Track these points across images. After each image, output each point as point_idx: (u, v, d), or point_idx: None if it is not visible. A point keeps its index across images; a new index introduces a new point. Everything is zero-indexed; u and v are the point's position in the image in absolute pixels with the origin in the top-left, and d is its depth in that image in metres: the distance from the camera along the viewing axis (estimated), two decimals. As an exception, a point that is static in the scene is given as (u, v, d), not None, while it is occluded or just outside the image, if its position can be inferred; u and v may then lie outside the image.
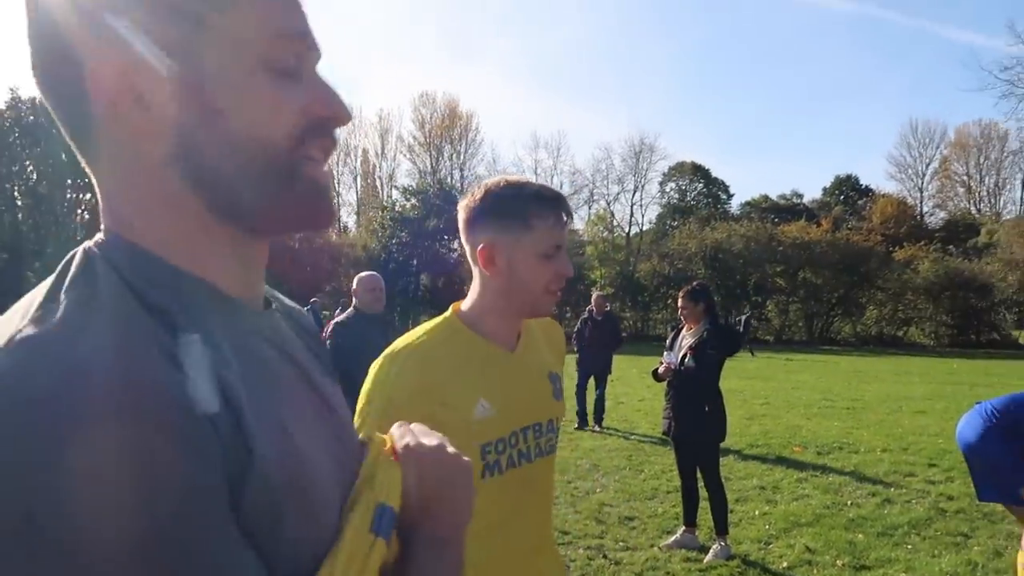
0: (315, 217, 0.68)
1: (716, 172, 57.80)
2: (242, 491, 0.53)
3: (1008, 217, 48.19)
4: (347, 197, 53.58)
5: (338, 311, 21.17)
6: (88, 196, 32.76)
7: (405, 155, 51.31)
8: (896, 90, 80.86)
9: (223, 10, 0.59)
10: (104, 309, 0.55)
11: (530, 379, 1.65)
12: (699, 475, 5.21)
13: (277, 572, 0.56)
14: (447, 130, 50.07)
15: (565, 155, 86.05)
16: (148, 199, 0.62)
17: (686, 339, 5.30)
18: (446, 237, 40.02)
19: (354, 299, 5.10)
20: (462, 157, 50.02)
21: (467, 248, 1.59)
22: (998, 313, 35.63)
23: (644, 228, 49.55)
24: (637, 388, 13.61)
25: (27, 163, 32.52)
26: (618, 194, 48.76)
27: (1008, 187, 53.64)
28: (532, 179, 1.74)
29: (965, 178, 54.38)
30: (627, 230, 47.46)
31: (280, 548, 0.56)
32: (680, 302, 5.37)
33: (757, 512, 5.96)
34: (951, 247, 39.46)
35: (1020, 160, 51.50)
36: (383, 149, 52.15)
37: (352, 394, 4.74)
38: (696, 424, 5.14)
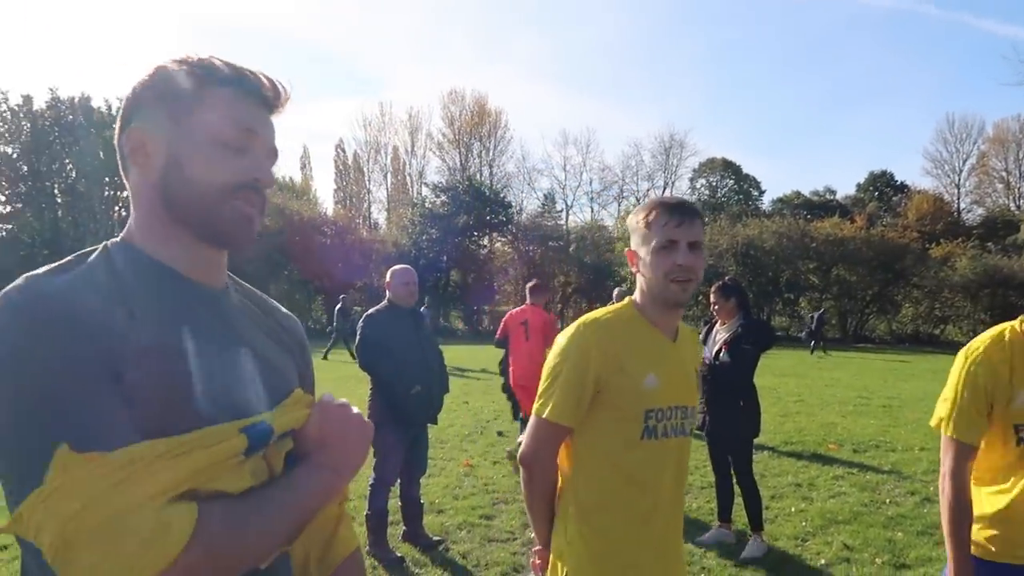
0: (236, 240, 1.08)
1: (747, 168, 57.30)
2: (124, 372, 0.90)
3: (1049, 213, 47.01)
4: (377, 194, 54.10)
5: (338, 305, 21.18)
6: (125, 193, 33.23)
7: (435, 152, 51.51)
8: (932, 85, 78.96)
9: (191, 113, 1.03)
10: (83, 273, 0.98)
11: (684, 368, 2.00)
12: (732, 471, 5.16)
13: (142, 428, 0.88)
14: (476, 127, 50.12)
15: (594, 151, 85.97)
16: (143, 215, 1.07)
17: (720, 334, 5.24)
18: (475, 233, 40.10)
19: (387, 292, 5.11)
20: (491, 154, 50.08)
21: None
22: (1039, 311, 34.76)
23: (674, 225, 48.94)
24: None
25: (66, 161, 33.09)
26: (648, 190, 48.59)
27: (1049, 183, 52.29)
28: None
29: (1004, 174, 53.00)
30: (657, 227, 47.14)
31: (147, 418, 0.90)
32: (712, 297, 5.32)
33: (793, 509, 5.88)
34: (989, 244, 38.55)
35: (1062, 155, 50.18)
36: (413, 146, 52.43)
37: (379, 384, 4.73)
38: (730, 420, 5.08)
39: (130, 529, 0.82)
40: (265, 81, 1.09)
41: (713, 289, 5.33)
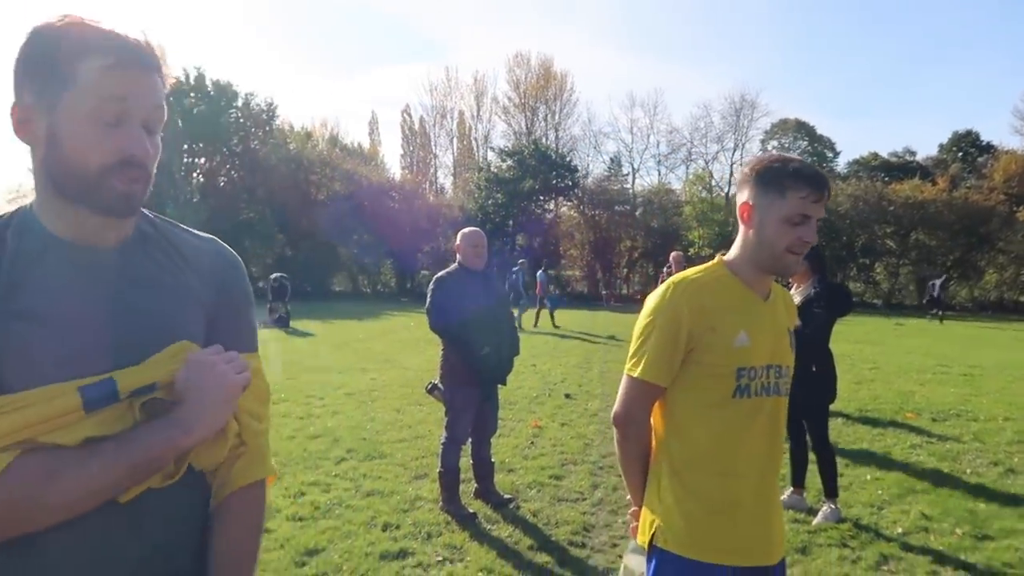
0: (117, 213, 1.14)
1: (821, 129, 55.14)
2: None
3: None
4: (444, 159, 54.16)
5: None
6: (203, 160, 34.28)
7: (500, 116, 51.11)
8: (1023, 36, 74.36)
9: (64, 88, 1.07)
10: None
11: (778, 327, 1.96)
12: (807, 437, 5.08)
13: None
14: (542, 90, 49.54)
15: (662, 113, 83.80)
16: (39, 185, 1.15)
17: (794, 297, 5.12)
18: (541, 197, 39.93)
19: (457, 255, 5.15)
20: (557, 117, 49.43)
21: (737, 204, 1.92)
22: None
23: (744, 188, 47.76)
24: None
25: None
26: (717, 153, 47.17)
27: None
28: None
29: (1102, 131, 49.88)
30: (726, 190, 45.93)
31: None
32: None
33: (868, 477, 5.77)
34: (1084, 206, 36.46)
35: None
36: (478, 111, 52.17)
37: (450, 346, 4.81)
38: (803, 384, 4.91)
39: None
40: (133, 40, 1.10)
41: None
